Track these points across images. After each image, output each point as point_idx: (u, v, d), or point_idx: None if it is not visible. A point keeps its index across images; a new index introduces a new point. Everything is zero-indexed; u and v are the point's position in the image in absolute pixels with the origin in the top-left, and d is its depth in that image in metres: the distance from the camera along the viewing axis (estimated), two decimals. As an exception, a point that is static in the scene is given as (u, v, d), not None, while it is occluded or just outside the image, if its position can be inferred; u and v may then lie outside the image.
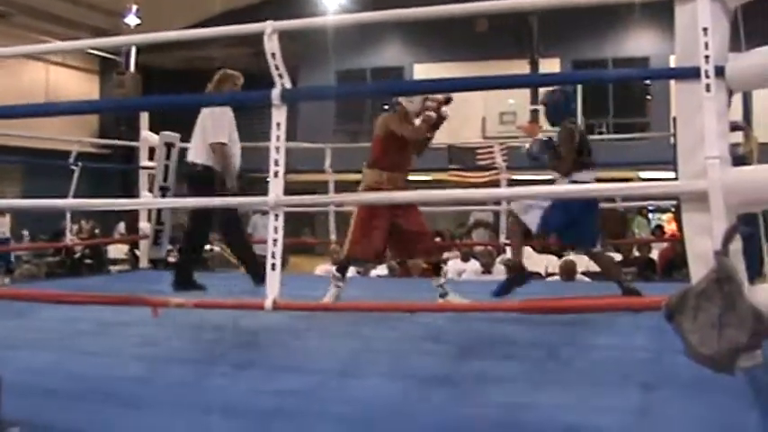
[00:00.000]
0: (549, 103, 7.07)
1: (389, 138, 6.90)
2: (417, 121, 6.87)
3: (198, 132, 8.18)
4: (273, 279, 4.30)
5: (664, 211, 20.22)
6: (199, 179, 8.13)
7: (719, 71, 3.53)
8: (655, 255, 14.39)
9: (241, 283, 8.13)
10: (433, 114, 6.73)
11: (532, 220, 6.72)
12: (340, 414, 3.83)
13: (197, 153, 8.25)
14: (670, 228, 18.13)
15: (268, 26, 4.42)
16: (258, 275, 7.41)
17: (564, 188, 6.03)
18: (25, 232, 22.01)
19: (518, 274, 6.94)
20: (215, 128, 8.03)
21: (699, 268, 3.50)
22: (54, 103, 17.36)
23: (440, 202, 9.66)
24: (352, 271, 9.41)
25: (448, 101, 6.79)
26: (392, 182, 6.82)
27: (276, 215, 4.37)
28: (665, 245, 14.25)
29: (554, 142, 6.92)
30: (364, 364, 4.97)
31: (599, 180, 6.82)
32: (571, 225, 6.66)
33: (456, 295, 6.87)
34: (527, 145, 7.17)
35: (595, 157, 7.05)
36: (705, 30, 3.53)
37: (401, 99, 7.00)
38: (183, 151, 9.83)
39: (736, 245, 3.47)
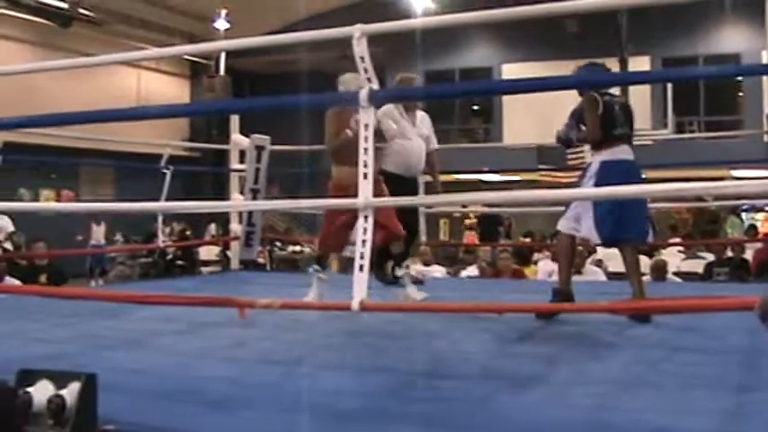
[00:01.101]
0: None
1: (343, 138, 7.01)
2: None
3: None
4: (361, 280, 4.31)
5: (758, 210, 19.87)
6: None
7: (814, 66, 3.46)
8: (749, 255, 14.17)
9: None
10: (350, 134, 6.80)
11: (590, 232, 6.45)
12: (427, 414, 3.83)
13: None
14: (765, 228, 17.85)
15: (356, 30, 4.44)
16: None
17: (655, 188, 5.89)
18: (118, 237, 22.37)
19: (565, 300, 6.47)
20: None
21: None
22: (145, 107, 17.63)
23: (526, 202, 9.61)
24: (441, 271, 9.43)
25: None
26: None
27: (366, 216, 4.39)
28: (758, 245, 14.01)
29: (580, 115, 6.72)
30: (452, 365, 4.97)
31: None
32: (622, 220, 6.32)
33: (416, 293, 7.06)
34: (557, 131, 6.97)
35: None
36: (798, 25, 3.47)
37: (339, 85, 7.17)
38: (273, 154, 9.92)
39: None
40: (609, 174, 6.17)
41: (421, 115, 8.35)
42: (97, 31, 24.23)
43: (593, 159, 6.52)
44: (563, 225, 6.63)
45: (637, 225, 6.51)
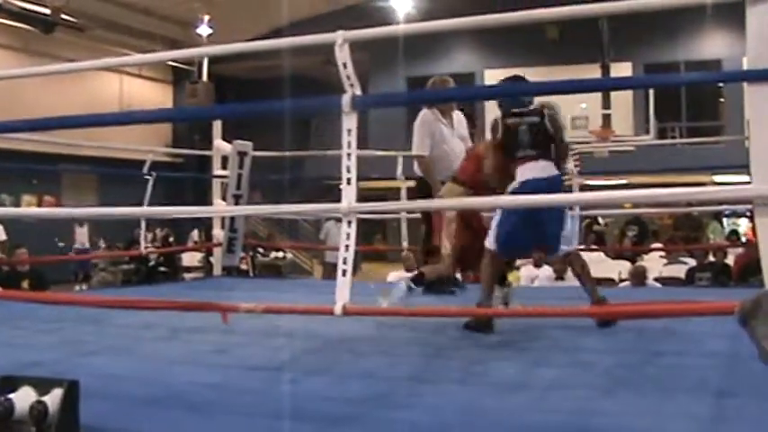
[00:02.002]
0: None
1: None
2: None
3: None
4: (344, 285, 4.32)
5: (740, 215, 19.94)
6: (417, 190, 8.30)
7: (793, 72, 3.49)
8: (731, 260, 14.22)
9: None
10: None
11: (490, 240, 6.27)
12: (411, 420, 3.83)
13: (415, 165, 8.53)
14: (750, 234, 17.89)
15: (339, 36, 4.46)
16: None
17: (636, 193, 5.89)
18: (102, 244, 22.32)
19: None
20: (416, 141, 8.32)
21: (774, 273, 3.46)
22: (128, 113, 17.59)
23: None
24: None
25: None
26: None
27: (349, 222, 4.40)
28: (740, 250, 14.07)
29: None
30: (436, 371, 4.98)
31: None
32: (525, 231, 6.12)
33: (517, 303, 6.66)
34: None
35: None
36: (777, 30, 3.50)
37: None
38: (256, 160, 9.92)
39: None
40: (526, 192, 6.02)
41: (458, 117, 8.33)
42: (80, 37, 24.20)
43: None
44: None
45: (543, 236, 6.29)
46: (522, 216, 6.02)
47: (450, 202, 6.53)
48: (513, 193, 6.07)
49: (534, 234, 6.19)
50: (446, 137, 8.10)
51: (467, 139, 8.37)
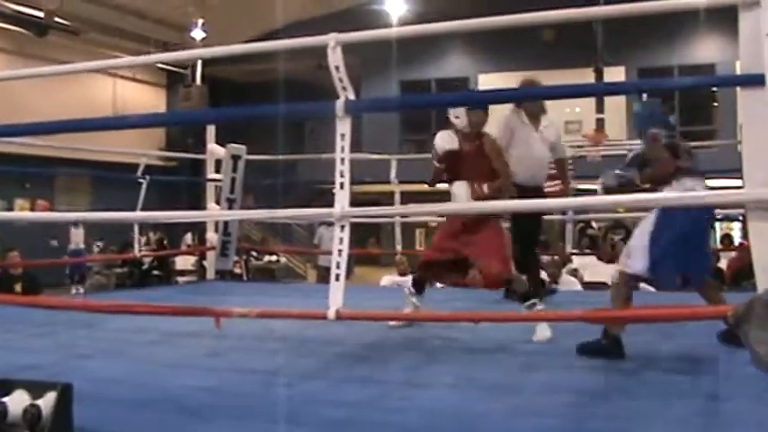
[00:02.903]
0: (638, 114, 6.34)
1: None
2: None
3: None
4: (337, 289, 4.33)
5: (732, 220, 19.96)
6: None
7: (785, 78, 3.50)
8: (724, 264, 14.24)
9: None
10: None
11: (637, 263, 5.47)
12: (404, 424, 3.84)
13: None
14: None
15: (331, 39, 4.46)
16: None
17: (626, 198, 5.80)
18: (99, 243, 22.27)
19: (613, 346, 5.45)
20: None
21: (766, 277, 3.47)
22: (122, 117, 17.60)
23: (509, 211, 9.62)
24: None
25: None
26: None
27: (342, 226, 4.40)
28: (733, 254, 14.09)
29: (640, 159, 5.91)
30: (428, 375, 4.98)
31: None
32: (685, 254, 5.48)
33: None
34: (599, 182, 6.44)
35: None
36: (769, 36, 3.51)
37: (451, 117, 6.66)
38: (250, 163, 9.93)
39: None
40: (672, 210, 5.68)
41: (547, 122, 7.99)
42: (73, 40, 24.18)
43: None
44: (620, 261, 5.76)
45: (693, 264, 5.65)
46: (680, 234, 5.42)
47: (446, 207, 6.51)
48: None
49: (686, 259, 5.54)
50: (528, 139, 7.74)
51: (556, 146, 8.11)
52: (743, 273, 11.56)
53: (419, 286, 6.77)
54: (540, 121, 7.89)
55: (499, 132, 7.46)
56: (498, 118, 7.62)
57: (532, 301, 6.26)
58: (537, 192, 7.63)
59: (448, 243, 6.49)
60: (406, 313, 6.56)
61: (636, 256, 5.49)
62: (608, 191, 6.00)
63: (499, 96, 6.31)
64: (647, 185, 5.79)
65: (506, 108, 7.88)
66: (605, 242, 15.79)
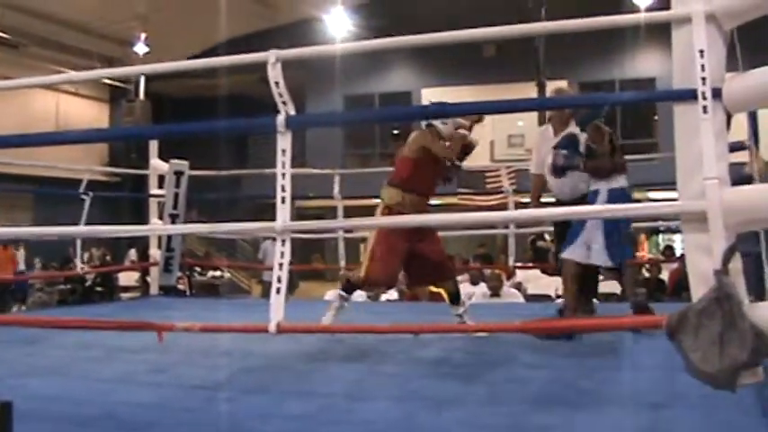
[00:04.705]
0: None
1: (420, 158, 6.65)
2: (448, 144, 6.68)
3: None
4: (278, 303, 4.34)
5: (674, 231, 20.21)
6: None
7: (716, 93, 3.56)
8: (665, 275, 14.40)
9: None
10: (466, 133, 6.62)
11: (600, 257, 6.55)
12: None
13: None
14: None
15: (271, 55, 4.48)
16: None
17: (564, 210, 5.99)
18: (37, 262, 22.08)
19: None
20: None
21: (700, 287, 3.53)
22: (64, 132, 17.45)
23: (451, 225, 9.67)
24: (362, 296, 9.40)
25: (480, 119, 6.70)
26: (414, 205, 6.57)
27: (283, 240, 4.42)
28: (674, 265, 14.25)
29: (580, 145, 6.84)
30: (371, 388, 5.00)
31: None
32: (619, 243, 6.57)
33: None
34: (549, 159, 6.99)
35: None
36: (701, 52, 3.57)
37: (434, 121, 6.74)
38: (193, 178, 9.90)
39: (736, 264, 3.49)
40: (618, 201, 6.27)
41: (569, 130, 7.47)
42: (14, 54, 23.98)
43: (599, 188, 6.69)
44: (573, 253, 6.67)
45: (625, 247, 6.74)
46: (615, 224, 6.42)
47: (388, 220, 6.53)
48: (613, 194, 6.54)
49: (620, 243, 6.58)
50: (550, 154, 7.45)
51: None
52: (684, 283, 11.68)
53: (351, 290, 6.80)
54: (565, 130, 7.50)
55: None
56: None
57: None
58: (571, 205, 6.90)
59: (399, 246, 6.56)
60: (346, 326, 6.58)
61: (597, 248, 6.49)
62: (555, 169, 6.47)
63: (440, 111, 6.33)
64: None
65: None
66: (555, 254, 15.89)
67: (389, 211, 6.60)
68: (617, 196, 6.42)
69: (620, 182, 6.66)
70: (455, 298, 6.88)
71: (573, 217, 6.09)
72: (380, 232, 6.59)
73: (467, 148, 6.78)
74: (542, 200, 7.73)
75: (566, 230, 6.87)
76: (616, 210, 5.17)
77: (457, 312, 6.75)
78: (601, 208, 5.52)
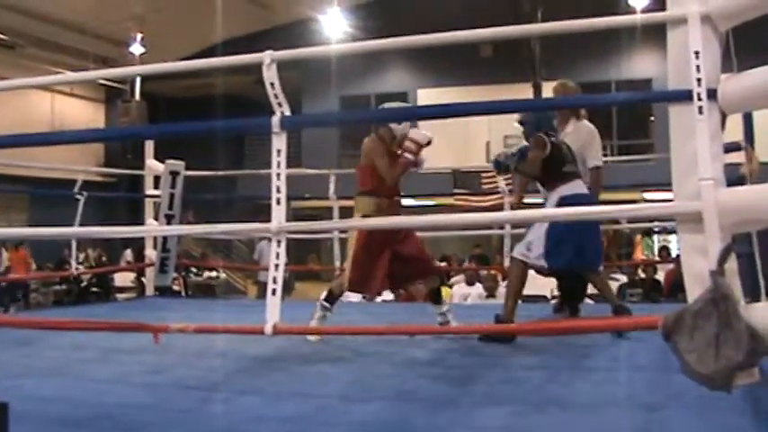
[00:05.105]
0: (526, 122, 6.96)
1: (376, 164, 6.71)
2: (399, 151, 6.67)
3: None
4: (274, 304, 4.34)
5: (669, 232, 20.22)
6: None
7: (712, 93, 3.57)
8: (661, 276, 14.41)
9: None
10: (411, 157, 6.57)
11: (538, 259, 6.53)
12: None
13: None
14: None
15: (266, 56, 4.48)
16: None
17: (564, 211, 5.97)
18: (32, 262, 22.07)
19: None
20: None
21: (695, 288, 3.53)
22: (60, 133, 17.45)
23: (447, 226, 9.67)
24: (357, 296, 9.39)
25: (429, 143, 6.68)
26: (390, 208, 6.61)
27: (279, 241, 4.42)
28: (670, 266, 14.26)
29: (525, 151, 6.86)
30: (366, 389, 5.00)
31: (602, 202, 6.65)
32: (576, 249, 6.49)
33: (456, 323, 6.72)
34: (496, 154, 7.10)
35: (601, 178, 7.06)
36: (696, 53, 3.57)
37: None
38: (189, 179, 9.89)
39: (732, 264, 3.49)
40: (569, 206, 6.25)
41: (573, 127, 7.48)
42: (10, 55, 23.95)
43: (550, 195, 6.73)
44: (517, 251, 6.69)
45: (587, 253, 6.68)
46: (570, 228, 6.37)
47: (381, 221, 6.53)
48: (562, 204, 6.49)
49: (580, 248, 6.56)
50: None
51: (583, 153, 7.34)
52: (680, 284, 11.69)
53: (333, 300, 6.75)
54: (564, 128, 7.50)
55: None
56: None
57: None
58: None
59: (381, 251, 6.54)
60: (342, 328, 6.58)
61: (536, 248, 6.49)
62: (497, 165, 6.61)
63: (437, 112, 6.31)
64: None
65: None
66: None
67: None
68: (570, 202, 6.38)
69: (573, 188, 6.67)
70: (437, 296, 6.87)
71: (569, 218, 6.08)
72: (361, 240, 6.57)
73: (414, 165, 6.76)
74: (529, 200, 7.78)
75: None
76: (614, 212, 5.13)
77: (440, 311, 6.75)
78: (596, 209, 5.49)
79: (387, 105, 6.94)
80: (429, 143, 6.63)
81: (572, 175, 6.76)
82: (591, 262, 6.84)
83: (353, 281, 6.63)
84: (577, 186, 6.71)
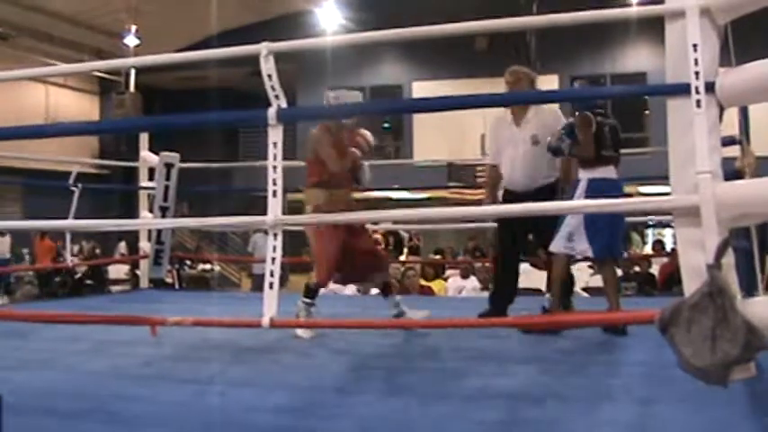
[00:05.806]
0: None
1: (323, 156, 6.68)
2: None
3: None
4: (271, 297, 4.32)
5: (664, 225, 20.24)
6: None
7: (710, 87, 3.56)
8: (655, 270, 14.42)
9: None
10: (357, 153, 6.66)
11: (584, 247, 6.39)
12: (337, 431, 3.85)
13: None
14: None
15: (263, 48, 4.46)
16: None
17: (552, 205, 5.94)
18: (26, 252, 22.06)
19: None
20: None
21: (692, 282, 3.53)
22: (54, 125, 17.43)
23: (440, 219, 9.65)
24: (352, 289, 9.37)
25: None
26: (342, 199, 6.60)
27: (275, 234, 4.40)
28: (665, 260, 14.27)
29: (574, 129, 6.58)
30: (361, 381, 4.99)
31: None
32: (611, 235, 6.44)
33: (416, 312, 6.69)
34: (548, 138, 6.81)
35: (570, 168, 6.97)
36: (695, 46, 3.57)
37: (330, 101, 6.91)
38: (184, 171, 9.86)
39: (729, 258, 3.49)
40: (597, 190, 6.21)
41: (534, 113, 7.04)
42: (3, 46, 23.89)
43: (581, 176, 6.58)
44: (559, 245, 6.50)
45: (618, 242, 6.72)
46: (604, 216, 6.23)
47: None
48: (590, 186, 6.40)
49: (614, 235, 6.50)
50: (508, 141, 7.07)
51: (543, 141, 6.89)
52: (674, 278, 11.71)
53: (313, 295, 6.67)
54: (525, 115, 7.07)
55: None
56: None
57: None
58: (529, 197, 6.61)
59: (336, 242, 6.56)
60: (339, 321, 6.57)
61: (578, 239, 6.33)
62: (553, 151, 6.46)
63: (432, 105, 6.31)
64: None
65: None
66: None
67: (320, 211, 6.55)
68: (597, 186, 6.34)
69: (605, 173, 6.52)
70: (387, 290, 6.88)
71: (565, 212, 6.08)
72: (318, 233, 6.58)
73: (356, 167, 6.81)
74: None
75: (542, 223, 6.64)
76: (610, 204, 5.14)
77: (393, 303, 6.74)
78: (594, 203, 5.48)
79: (337, 93, 6.91)
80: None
81: (609, 159, 6.56)
82: (619, 250, 6.93)
83: (322, 277, 6.70)
84: (609, 171, 6.55)
